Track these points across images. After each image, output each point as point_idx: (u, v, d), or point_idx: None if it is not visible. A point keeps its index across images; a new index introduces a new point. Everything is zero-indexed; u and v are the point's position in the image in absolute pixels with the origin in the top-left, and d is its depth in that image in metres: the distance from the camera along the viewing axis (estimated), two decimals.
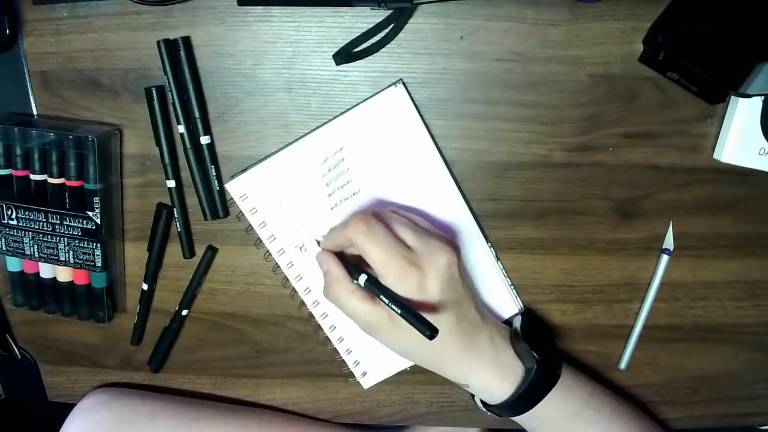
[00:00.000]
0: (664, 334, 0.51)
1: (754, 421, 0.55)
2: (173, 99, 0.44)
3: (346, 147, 0.45)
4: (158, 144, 0.45)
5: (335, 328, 0.50)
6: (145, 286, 0.50)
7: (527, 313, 0.50)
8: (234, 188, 0.46)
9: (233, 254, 0.49)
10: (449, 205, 0.47)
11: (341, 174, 0.46)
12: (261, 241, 0.47)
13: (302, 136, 0.45)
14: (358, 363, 0.51)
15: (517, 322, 0.46)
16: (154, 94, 0.44)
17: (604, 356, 0.52)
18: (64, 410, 0.51)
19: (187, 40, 0.43)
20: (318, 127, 0.45)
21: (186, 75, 0.44)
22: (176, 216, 0.47)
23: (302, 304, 0.50)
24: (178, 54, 0.43)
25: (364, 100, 0.44)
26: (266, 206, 0.46)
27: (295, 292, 0.49)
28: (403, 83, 0.44)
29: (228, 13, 0.43)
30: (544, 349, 0.43)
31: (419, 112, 0.45)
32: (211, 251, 0.49)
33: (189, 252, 0.49)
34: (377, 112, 0.44)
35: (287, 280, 0.49)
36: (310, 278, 0.48)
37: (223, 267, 0.50)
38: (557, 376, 0.43)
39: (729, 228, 0.48)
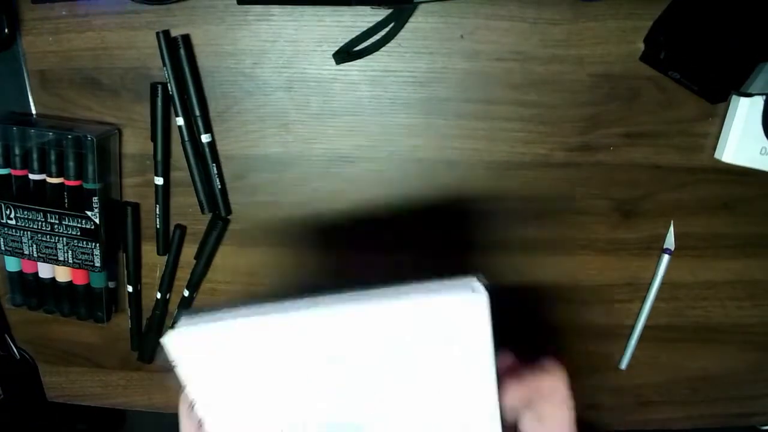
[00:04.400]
0: (665, 334, 0.51)
1: (754, 421, 0.55)
2: (172, 92, 0.43)
3: (362, 352, 0.25)
4: (153, 139, 0.45)
5: None
6: (129, 288, 0.50)
7: None
8: (172, 344, 0.27)
9: (233, 254, 0.49)
10: None
11: (339, 390, 0.26)
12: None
13: (302, 296, 0.25)
14: None
15: None
16: (159, 91, 0.44)
17: (604, 356, 0.52)
18: (63, 410, 0.51)
19: (186, 38, 0.43)
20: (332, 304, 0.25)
21: (186, 73, 0.43)
22: (157, 213, 0.47)
23: None
24: (178, 52, 0.43)
25: (425, 292, 0.24)
26: (207, 395, 0.28)
27: None
28: (486, 287, 0.24)
29: (228, 12, 0.43)
30: None
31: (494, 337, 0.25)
32: (180, 230, 0.49)
33: (164, 249, 0.49)
34: (436, 318, 0.25)
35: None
36: None
37: (223, 267, 0.50)
38: None
39: (730, 228, 0.48)
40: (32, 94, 0.45)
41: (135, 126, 0.46)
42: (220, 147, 0.46)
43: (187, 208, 0.48)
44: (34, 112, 0.46)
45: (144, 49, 0.44)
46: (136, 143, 0.46)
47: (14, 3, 0.43)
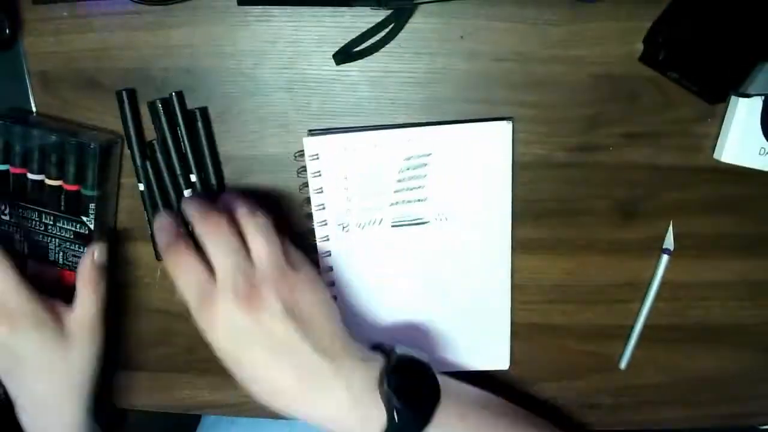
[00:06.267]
0: (665, 334, 0.51)
1: (754, 422, 0.55)
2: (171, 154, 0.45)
3: (435, 155, 0.45)
4: (129, 147, 0.46)
5: None
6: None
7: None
8: (310, 145, 0.45)
9: None
10: (494, 251, 0.48)
11: (417, 177, 0.45)
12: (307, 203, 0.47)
13: (396, 126, 0.45)
14: None
15: (395, 358, 0.41)
16: (124, 97, 0.44)
17: (604, 356, 0.52)
18: None
19: (204, 112, 0.45)
20: (417, 125, 0.45)
21: (204, 146, 0.45)
22: (147, 218, 0.48)
23: None
24: (195, 125, 0.44)
25: (473, 121, 0.44)
26: (331, 175, 0.45)
27: (316, 263, 0.48)
28: (513, 122, 0.45)
29: (228, 13, 0.43)
30: (415, 396, 0.39)
31: (514, 155, 0.45)
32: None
33: (158, 254, 0.49)
34: (478, 137, 0.44)
35: None
36: (337, 258, 0.48)
37: None
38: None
39: (730, 228, 0.48)
40: (33, 95, 0.45)
41: None
42: (220, 147, 0.46)
43: None
44: (35, 112, 0.46)
45: (144, 50, 0.44)
46: None
47: (15, 3, 0.43)
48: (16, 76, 0.45)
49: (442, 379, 0.42)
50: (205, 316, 0.38)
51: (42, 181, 0.45)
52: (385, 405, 0.38)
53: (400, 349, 0.42)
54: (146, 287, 0.51)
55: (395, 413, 0.38)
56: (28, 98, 0.45)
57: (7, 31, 0.43)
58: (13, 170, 0.45)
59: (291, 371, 0.38)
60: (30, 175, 0.45)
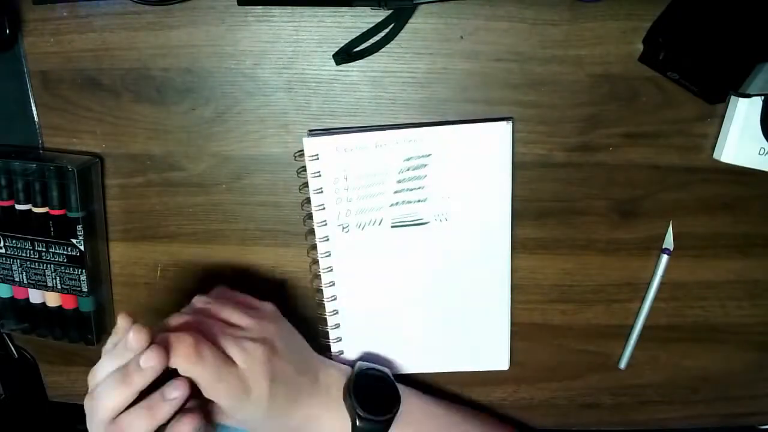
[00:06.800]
0: (664, 334, 0.51)
1: (754, 421, 0.55)
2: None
3: (435, 156, 0.45)
4: None
5: (339, 326, 0.50)
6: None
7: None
8: (310, 145, 0.45)
9: (233, 254, 0.49)
10: (494, 251, 0.48)
11: (417, 178, 0.46)
12: (307, 203, 0.47)
13: (396, 126, 0.45)
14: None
15: (359, 369, 0.47)
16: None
17: (604, 356, 0.52)
18: (64, 410, 0.51)
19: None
20: (417, 125, 0.45)
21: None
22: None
23: (319, 291, 0.50)
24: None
25: (473, 122, 0.44)
26: (331, 175, 0.45)
27: (316, 263, 0.48)
28: (513, 123, 0.45)
29: (228, 13, 0.43)
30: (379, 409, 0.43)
31: (513, 156, 0.45)
32: None
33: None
34: (478, 138, 0.44)
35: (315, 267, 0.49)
36: (337, 258, 0.48)
37: (223, 267, 0.50)
38: None
39: (729, 228, 0.48)
40: (33, 95, 0.46)
41: (136, 126, 0.46)
42: (221, 147, 0.46)
43: (186, 208, 0.48)
44: (35, 112, 0.46)
45: (144, 50, 0.44)
46: (137, 143, 0.47)
47: (15, 4, 0.43)
48: (16, 76, 0.45)
49: (402, 389, 0.47)
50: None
51: (29, 210, 0.46)
52: (350, 412, 0.43)
53: (361, 364, 0.48)
54: (146, 287, 0.51)
55: (357, 420, 0.43)
56: (29, 98, 0.45)
57: (7, 31, 0.43)
58: (1, 203, 0.46)
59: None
60: (17, 206, 0.46)
